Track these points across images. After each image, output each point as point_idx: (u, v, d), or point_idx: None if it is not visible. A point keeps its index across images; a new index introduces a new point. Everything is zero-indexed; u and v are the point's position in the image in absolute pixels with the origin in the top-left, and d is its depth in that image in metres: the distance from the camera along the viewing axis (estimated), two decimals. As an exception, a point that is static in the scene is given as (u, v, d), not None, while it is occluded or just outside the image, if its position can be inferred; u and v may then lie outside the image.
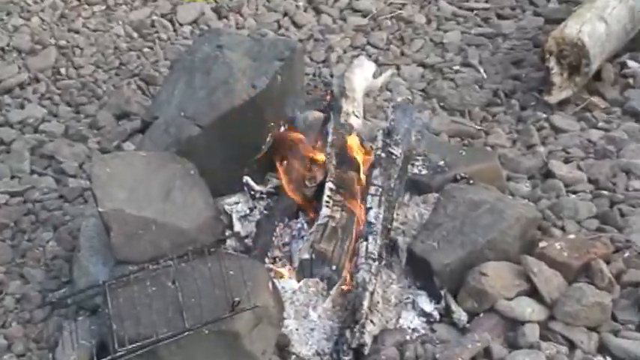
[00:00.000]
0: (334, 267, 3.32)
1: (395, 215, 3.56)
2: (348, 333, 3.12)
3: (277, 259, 3.45)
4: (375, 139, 3.71)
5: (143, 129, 3.82)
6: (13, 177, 4.23)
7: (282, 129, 3.75)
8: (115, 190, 3.33)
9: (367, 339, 3.13)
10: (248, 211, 3.62)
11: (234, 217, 3.58)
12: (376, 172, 3.55)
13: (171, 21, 5.40)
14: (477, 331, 3.18)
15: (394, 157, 3.62)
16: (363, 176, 3.61)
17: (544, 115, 4.36)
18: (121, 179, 3.38)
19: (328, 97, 4.13)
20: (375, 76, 4.43)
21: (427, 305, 3.31)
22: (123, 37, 5.31)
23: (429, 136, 4.21)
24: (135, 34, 5.32)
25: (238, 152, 3.65)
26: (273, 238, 3.49)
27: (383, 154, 3.61)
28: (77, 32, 5.34)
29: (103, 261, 3.38)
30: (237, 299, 2.97)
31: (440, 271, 3.28)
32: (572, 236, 3.50)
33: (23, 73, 4.97)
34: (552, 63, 4.35)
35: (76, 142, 4.42)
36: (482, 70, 4.79)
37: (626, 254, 3.40)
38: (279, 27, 5.31)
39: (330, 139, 3.75)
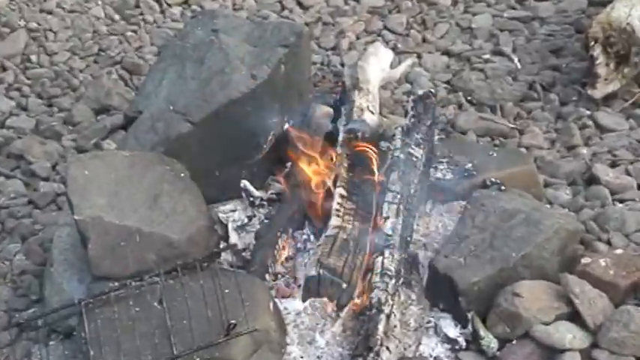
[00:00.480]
0: (345, 285, 3.33)
1: (415, 226, 3.57)
2: (360, 362, 3.13)
3: (280, 276, 3.46)
4: (393, 139, 3.72)
5: (126, 125, 3.85)
6: (-25, 179, 4.25)
7: (286, 126, 3.76)
8: (94, 196, 3.35)
9: (382, 368, 3.14)
10: (246, 220, 3.63)
11: (231, 226, 3.59)
12: (394, 176, 3.55)
13: (158, 1, 5.41)
14: (509, 360, 3.19)
15: (414, 159, 3.63)
16: (378, 181, 3.62)
17: (587, 112, 4.36)
18: (100, 183, 3.40)
19: (339, 90, 4.14)
20: (392, 66, 4.45)
21: (452, 330, 3.31)
22: (103, 19, 5.33)
23: (455, 135, 4.22)
24: (116, 16, 5.34)
25: (235, 152, 3.67)
26: (275, 252, 3.50)
27: (402, 156, 3.61)
28: (50, 13, 5.36)
29: (78, 277, 3.39)
30: (233, 322, 2.98)
31: (466, 291, 3.28)
32: (619, 251, 3.50)
33: (-12, 60, 5.01)
34: (597, 52, 4.35)
35: (49, 140, 4.43)
36: (516, 60, 4.79)
37: (682, 273, 3.40)
38: (283, 8, 5.32)
39: (340, 138, 3.76)
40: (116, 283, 3.18)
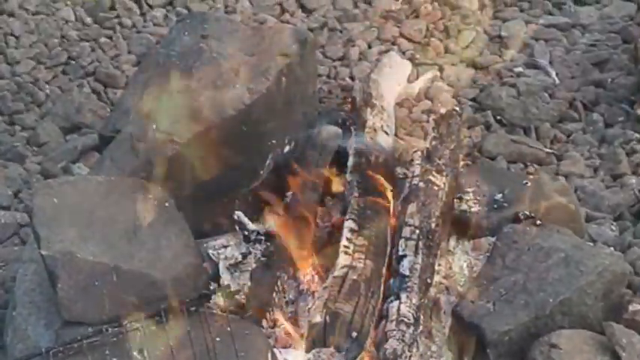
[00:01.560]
0: (355, 334, 3.34)
1: (437, 266, 3.60)
2: (372, 423, 3.16)
3: (279, 323, 3.49)
4: (411, 164, 3.76)
5: (100, 146, 3.87)
6: None
7: (287, 149, 3.80)
8: (64, 227, 3.35)
9: None
10: (240, 258, 3.62)
11: (222, 265, 3.58)
12: (412, 208, 3.59)
13: (137, 2, 5.43)
14: (545, 422, 3.22)
15: (436, 188, 3.66)
16: (394, 213, 3.66)
17: (636, 135, 4.40)
18: (71, 213, 3.40)
19: (348, 107, 4.18)
20: (410, 80, 4.49)
21: (479, 387, 3.35)
22: (73, 22, 5.35)
23: (482, 160, 4.25)
24: (89, 19, 5.37)
25: (228, 179, 3.70)
26: (274, 295, 3.53)
27: (421, 184, 3.65)
28: (12, 15, 5.38)
29: (46, 321, 3.39)
30: (225, 375, 3.02)
31: (496, 342, 3.31)
32: (673, 297, 3.54)
33: (-60, 69, 5.04)
34: (648, 65, 4.40)
35: (10, 163, 4.47)
36: (553, 74, 4.82)
37: None
38: (283, 11, 5.35)
39: (350, 163, 3.80)
40: (90, 329, 3.19)
